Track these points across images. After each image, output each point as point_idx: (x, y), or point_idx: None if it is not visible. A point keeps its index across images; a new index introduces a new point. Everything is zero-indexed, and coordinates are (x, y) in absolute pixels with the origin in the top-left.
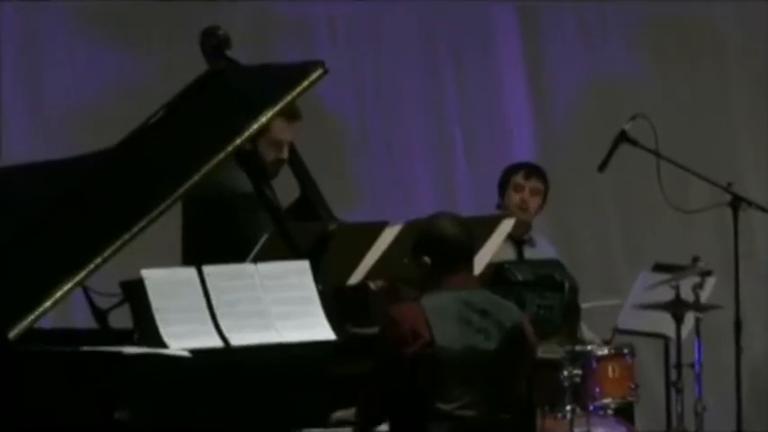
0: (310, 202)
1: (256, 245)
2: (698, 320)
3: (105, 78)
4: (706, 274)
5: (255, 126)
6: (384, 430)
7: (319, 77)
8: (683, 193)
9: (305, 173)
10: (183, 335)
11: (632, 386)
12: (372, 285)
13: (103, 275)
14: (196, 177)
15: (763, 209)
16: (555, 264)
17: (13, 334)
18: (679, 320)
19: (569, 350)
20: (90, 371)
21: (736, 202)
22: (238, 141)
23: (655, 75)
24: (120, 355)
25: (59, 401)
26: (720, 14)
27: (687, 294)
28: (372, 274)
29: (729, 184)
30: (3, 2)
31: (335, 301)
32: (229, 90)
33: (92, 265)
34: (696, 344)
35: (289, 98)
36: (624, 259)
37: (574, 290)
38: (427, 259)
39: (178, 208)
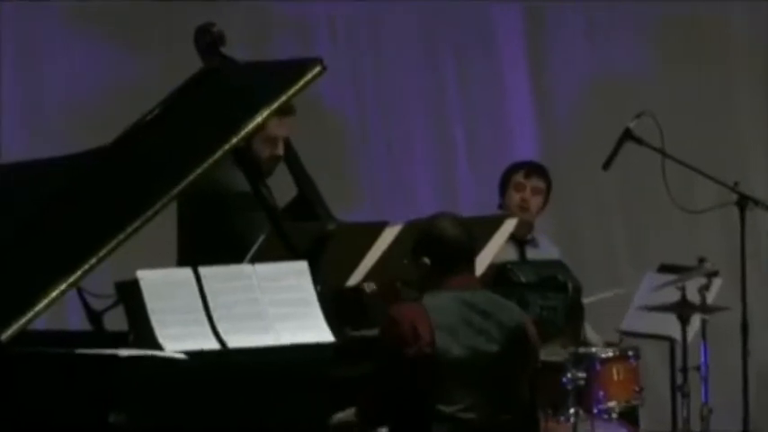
0: (308, 201)
1: (253, 245)
2: (704, 322)
3: (104, 78)
4: (712, 275)
5: (253, 124)
6: None
7: (318, 75)
8: (688, 193)
9: (301, 170)
10: (179, 337)
11: (637, 389)
12: (366, 288)
13: (98, 276)
14: (192, 176)
15: None
16: (558, 264)
17: (5, 336)
18: (685, 322)
19: (573, 352)
20: (84, 373)
21: (743, 202)
22: (235, 140)
23: (660, 73)
24: (115, 357)
25: (53, 404)
26: (728, 13)
27: (693, 296)
28: (372, 275)
29: (736, 184)
30: (2, 2)
31: (334, 303)
32: (226, 87)
33: (86, 266)
34: (702, 346)
35: (287, 95)
36: (629, 260)
37: (577, 291)
38: (427, 260)
39: (174, 207)
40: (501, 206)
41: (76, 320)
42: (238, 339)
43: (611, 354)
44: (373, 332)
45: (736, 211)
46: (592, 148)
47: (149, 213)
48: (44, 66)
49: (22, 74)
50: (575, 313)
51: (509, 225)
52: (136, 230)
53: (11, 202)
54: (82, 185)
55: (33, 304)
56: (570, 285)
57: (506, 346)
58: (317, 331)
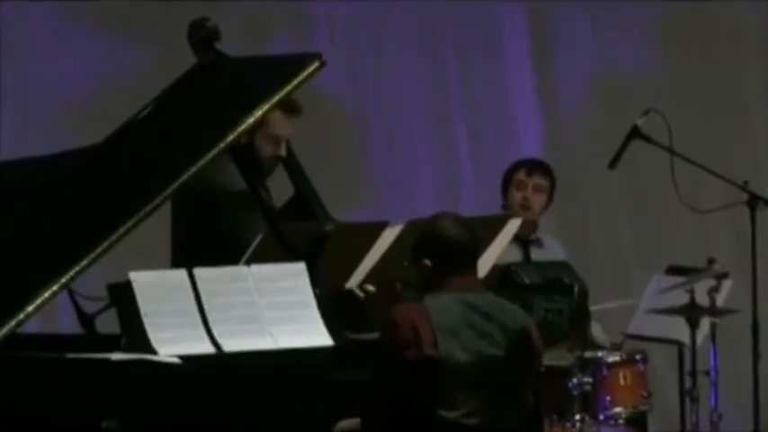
0: (305, 201)
1: (250, 246)
2: (714, 325)
3: (103, 76)
4: (722, 276)
5: (250, 121)
6: None
7: (317, 70)
8: (697, 192)
9: (299, 170)
10: (174, 340)
11: (645, 394)
12: (358, 292)
13: (90, 278)
14: (187, 175)
15: None
16: (563, 266)
17: None
18: (694, 325)
19: (579, 356)
20: (76, 378)
21: (754, 202)
22: (231, 137)
23: (668, 71)
24: (107, 361)
25: (44, 410)
26: (737, 10)
27: (702, 298)
28: (372, 276)
29: (746, 183)
30: (1, 1)
31: (333, 305)
32: (222, 83)
33: (78, 267)
34: (712, 350)
35: (285, 91)
36: (636, 261)
37: (583, 293)
38: (427, 261)
39: (168, 206)
40: (504, 206)
41: (68, 323)
42: (234, 343)
43: (617, 358)
44: (373, 335)
45: (746, 210)
46: (597, 148)
47: (143, 213)
48: (41, 64)
49: (19, 71)
50: (580, 316)
51: (513, 225)
52: (129, 231)
53: (1, 201)
54: (74, 184)
55: (23, 307)
56: (576, 288)
57: (510, 349)
58: (315, 334)
